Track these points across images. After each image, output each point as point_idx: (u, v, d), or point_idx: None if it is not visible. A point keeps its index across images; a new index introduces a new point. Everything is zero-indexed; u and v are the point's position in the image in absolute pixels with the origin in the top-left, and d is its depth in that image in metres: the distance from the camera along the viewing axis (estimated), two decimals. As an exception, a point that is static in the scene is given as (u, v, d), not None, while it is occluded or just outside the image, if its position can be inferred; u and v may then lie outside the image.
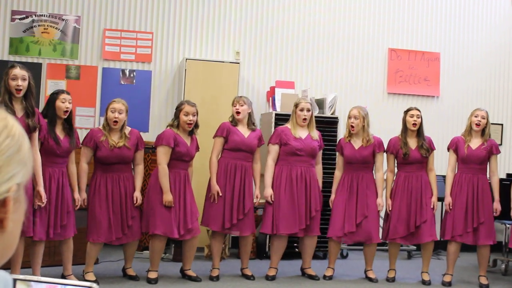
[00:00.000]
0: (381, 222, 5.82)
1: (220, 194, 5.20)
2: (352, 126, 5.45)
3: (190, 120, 5.09)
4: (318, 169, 5.53)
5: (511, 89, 7.93)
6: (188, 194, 5.10)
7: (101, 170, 4.95)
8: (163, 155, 5.04)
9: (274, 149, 5.43)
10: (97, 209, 4.88)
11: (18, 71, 4.36)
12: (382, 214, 5.71)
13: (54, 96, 4.74)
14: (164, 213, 4.99)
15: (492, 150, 5.45)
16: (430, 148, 5.52)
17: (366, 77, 7.50)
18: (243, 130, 5.34)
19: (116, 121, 4.94)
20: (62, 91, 4.80)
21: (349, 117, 5.50)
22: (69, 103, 4.72)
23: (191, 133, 5.20)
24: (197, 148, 5.28)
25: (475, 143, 5.46)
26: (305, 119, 5.39)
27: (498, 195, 5.42)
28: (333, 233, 5.43)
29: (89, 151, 4.95)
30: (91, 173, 5.06)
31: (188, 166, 5.19)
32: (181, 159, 5.10)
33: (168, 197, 4.97)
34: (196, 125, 5.20)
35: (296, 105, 5.45)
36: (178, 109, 5.17)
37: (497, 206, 5.40)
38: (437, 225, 5.68)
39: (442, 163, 6.40)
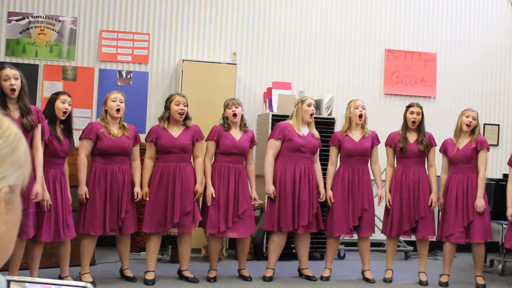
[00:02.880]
0: (381, 216, 5.78)
1: (214, 196, 5.19)
2: (361, 116, 5.45)
3: (181, 110, 5.10)
4: (317, 167, 5.53)
5: (508, 89, 7.94)
6: (177, 188, 5.05)
7: (100, 163, 4.94)
8: (146, 150, 5.21)
9: (275, 145, 5.37)
10: (98, 203, 4.87)
11: (9, 71, 4.33)
12: (382, 208, 5.69)
13: (54, 96, 4.75)
14: (152, 210, 5.06)
15: (477, 146, 5.42)
16: (430, 144, 5.52)
17: (363, 78, 7.51)
18: (235, 133, 5.32)
19: (118, 109, 4.98)
20: (64, 92, 4.83)
21: (356, 107, 5.47)
22: (69, 104, 4.72)
23: (185, 124, 5.15)
24: (195, 139, 5.18)
25: (463, 142, 5.46)
26: (312, 114, 5.41)
27: (482, 192, 5.34)
28: (339, 231, 5.41)
29: (89, 143, 4.94)
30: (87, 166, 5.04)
31: (182, 159, 5.11)
32: (167, 152, 5.10)
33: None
34: (187, 117, 5.17)
35: (303, 101, 5.43)
36: (169, 100, 5.19)
37: (478, 202, 5.31)
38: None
39: (438, 164, 6.40)
